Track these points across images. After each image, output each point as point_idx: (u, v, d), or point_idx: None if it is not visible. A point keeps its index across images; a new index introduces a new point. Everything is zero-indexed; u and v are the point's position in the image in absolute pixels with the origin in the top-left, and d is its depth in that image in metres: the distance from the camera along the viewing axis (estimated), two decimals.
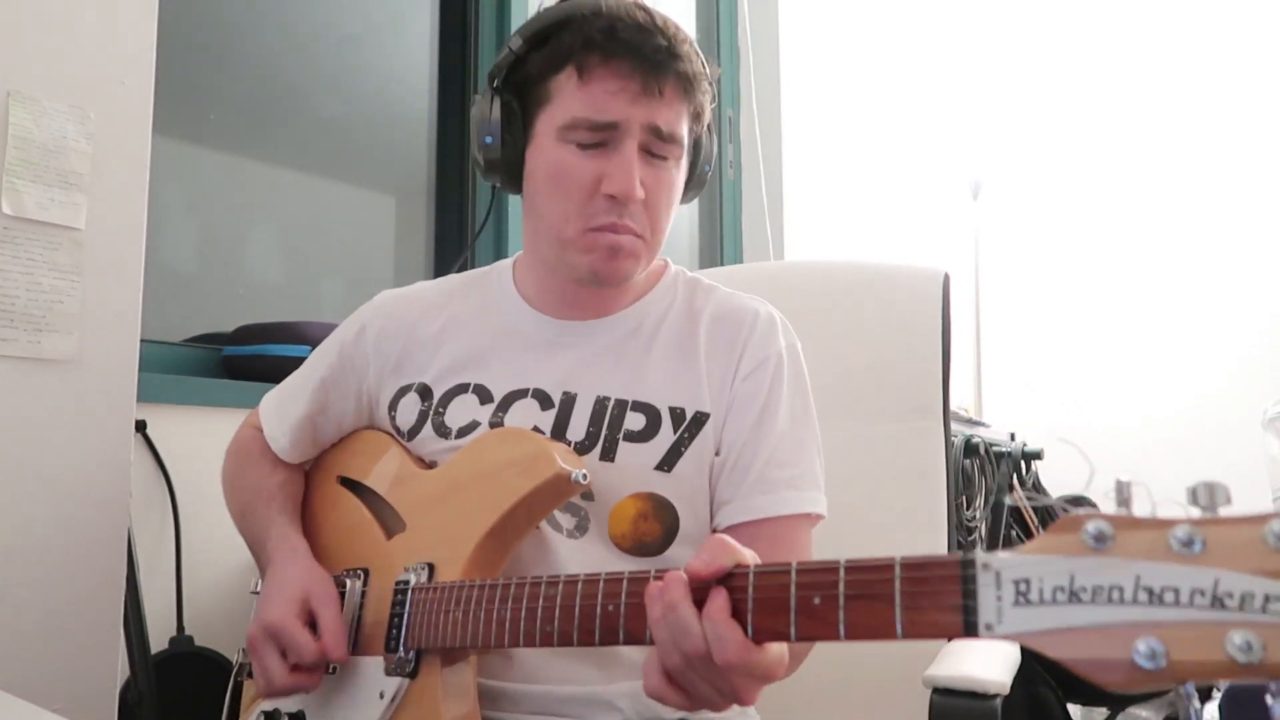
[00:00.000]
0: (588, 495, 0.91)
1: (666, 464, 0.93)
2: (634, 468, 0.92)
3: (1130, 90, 3.62)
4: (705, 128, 0.99)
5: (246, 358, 1.51)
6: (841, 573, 0.60)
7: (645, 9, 0.91)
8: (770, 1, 2.74)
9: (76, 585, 1.11)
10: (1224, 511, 0.49)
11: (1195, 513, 0.49)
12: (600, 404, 0.95)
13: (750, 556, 0.67)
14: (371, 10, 2.03)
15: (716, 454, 0.95)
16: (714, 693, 0.66)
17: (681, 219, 2.55)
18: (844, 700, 1.23)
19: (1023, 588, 0.52)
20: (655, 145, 0.91)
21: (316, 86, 1.89)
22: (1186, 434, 3.24)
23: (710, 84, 0.97)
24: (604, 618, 0.71)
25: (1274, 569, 0.46)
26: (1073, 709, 1.89)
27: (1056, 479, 2.62)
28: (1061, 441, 2.52)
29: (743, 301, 1.02)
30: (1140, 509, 0.51)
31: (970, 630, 0.53)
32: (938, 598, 0.55)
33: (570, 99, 0.90)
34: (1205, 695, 1.81)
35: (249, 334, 1.54)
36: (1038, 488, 2.71)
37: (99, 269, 1.14)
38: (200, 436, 1.38)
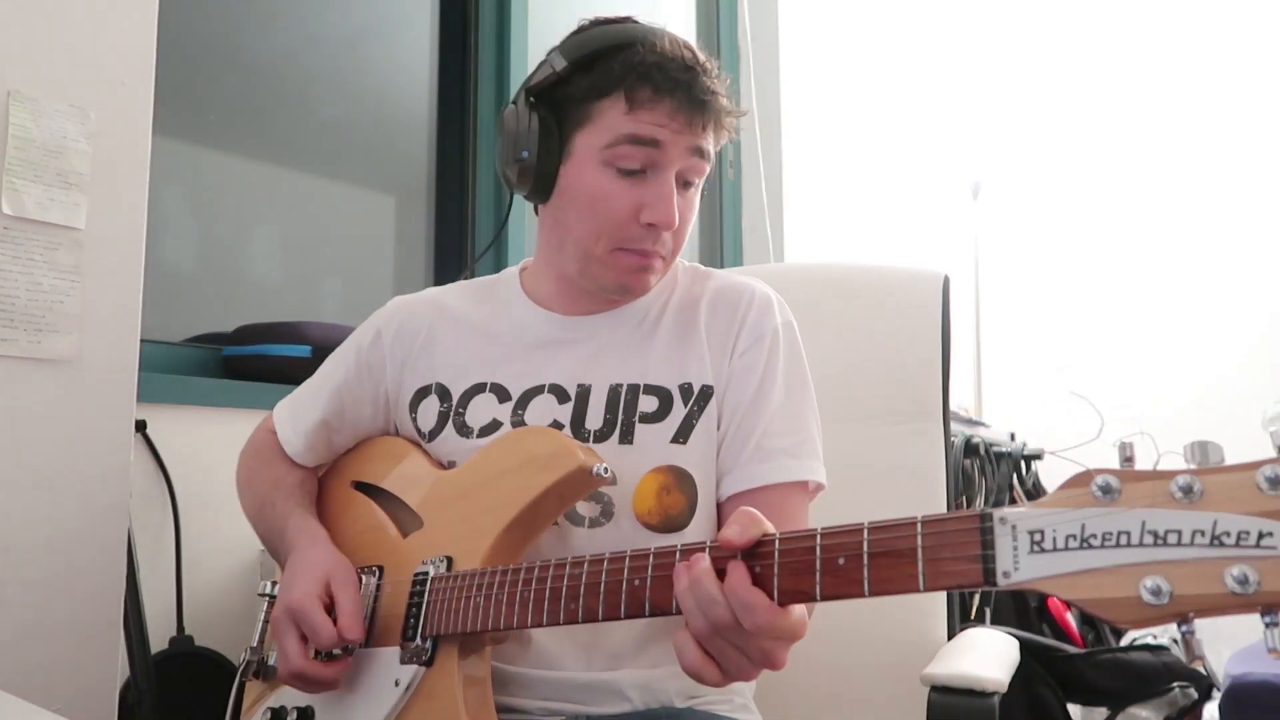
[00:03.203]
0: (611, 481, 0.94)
1: (682, 436, 0.96)
2: (652, 445, 0.95)
3: (1130, 90, 3.62)
4: None
5: (246, 358, 1.51)
6: (865, 534, 0.64)
7: (691, 48, 0.96)
8: (770, 1, 2.74)
9: (76, 585, 1.11)
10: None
11: (1193, 467, 0.54)
12: (614, 391, 0.98)
13: (773, 528, 0.70)
14: (371, 10, 2.03)
15: (719, 427, 0.98)
16: (745, 660, 0.68)
17: None
18: (843, 698, 1.23)
19: (1037, 537, 0.56)
20: (693, 166, 0.95)
21: (316, 86, 1.89)
22: (1186, 434, 3.24)
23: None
24: (630, 591, 0.73)
25: (1267, 509, 0.51)
26: (1073, 709, 1.89)
27: (1056, 479, 2.62)
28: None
29: (740, 281, 1.06)
30: (1142, 465, 0.55)
31: (989, 578, 0.57)
32: (958, 549, 0.59)
33: (615, 122, 0.93)
34: (1206, 694, 1.81)
35: (249, 334, 1.54)
36: (1038, 487, 2.71)
37: (99, 269, 1.14)
38: (200, 436, 1.39)
